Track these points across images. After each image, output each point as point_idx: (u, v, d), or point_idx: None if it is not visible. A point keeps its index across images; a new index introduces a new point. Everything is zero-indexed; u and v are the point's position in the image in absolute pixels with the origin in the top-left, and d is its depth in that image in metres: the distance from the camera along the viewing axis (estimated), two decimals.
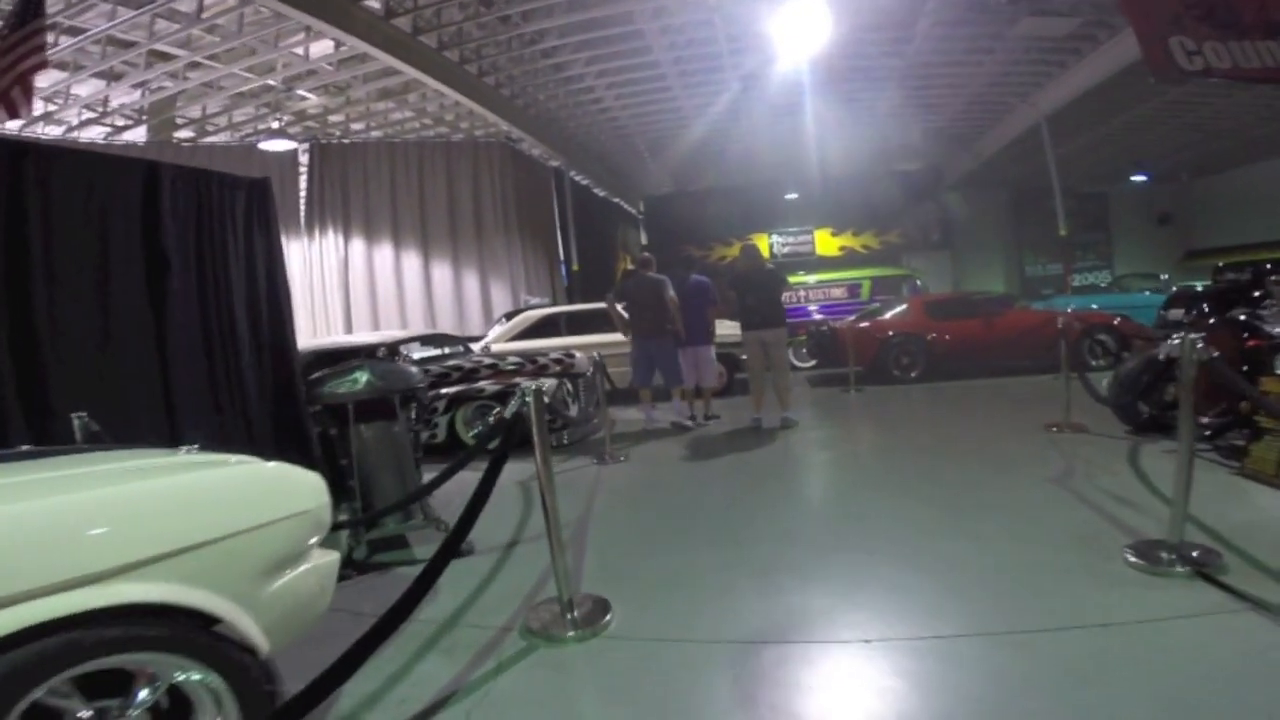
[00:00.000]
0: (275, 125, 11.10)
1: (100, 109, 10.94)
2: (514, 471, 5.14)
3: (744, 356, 7.43)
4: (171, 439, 3.90)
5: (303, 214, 12.15)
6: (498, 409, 5.91)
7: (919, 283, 11.32)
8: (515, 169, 13.20)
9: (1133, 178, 23.36)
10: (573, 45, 11.40)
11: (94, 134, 11.50)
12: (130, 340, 3.75)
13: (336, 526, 2.98)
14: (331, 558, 1.75)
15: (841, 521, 3.74)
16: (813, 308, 11.71)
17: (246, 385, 3.89)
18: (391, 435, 3.22)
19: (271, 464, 1.72)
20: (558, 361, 6.50)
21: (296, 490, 1.69)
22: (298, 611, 1.67)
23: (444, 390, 5.99)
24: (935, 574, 2.83)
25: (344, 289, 12.08)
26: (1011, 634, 2.32)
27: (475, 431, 5.97)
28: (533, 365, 6.39)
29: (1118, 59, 11.27)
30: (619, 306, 6.59)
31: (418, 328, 11.26)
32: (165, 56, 9.60)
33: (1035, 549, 3.01)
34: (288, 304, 4.74)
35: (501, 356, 6.66)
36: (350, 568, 3.13)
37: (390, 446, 3.23)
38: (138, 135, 11.72)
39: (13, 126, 10.24)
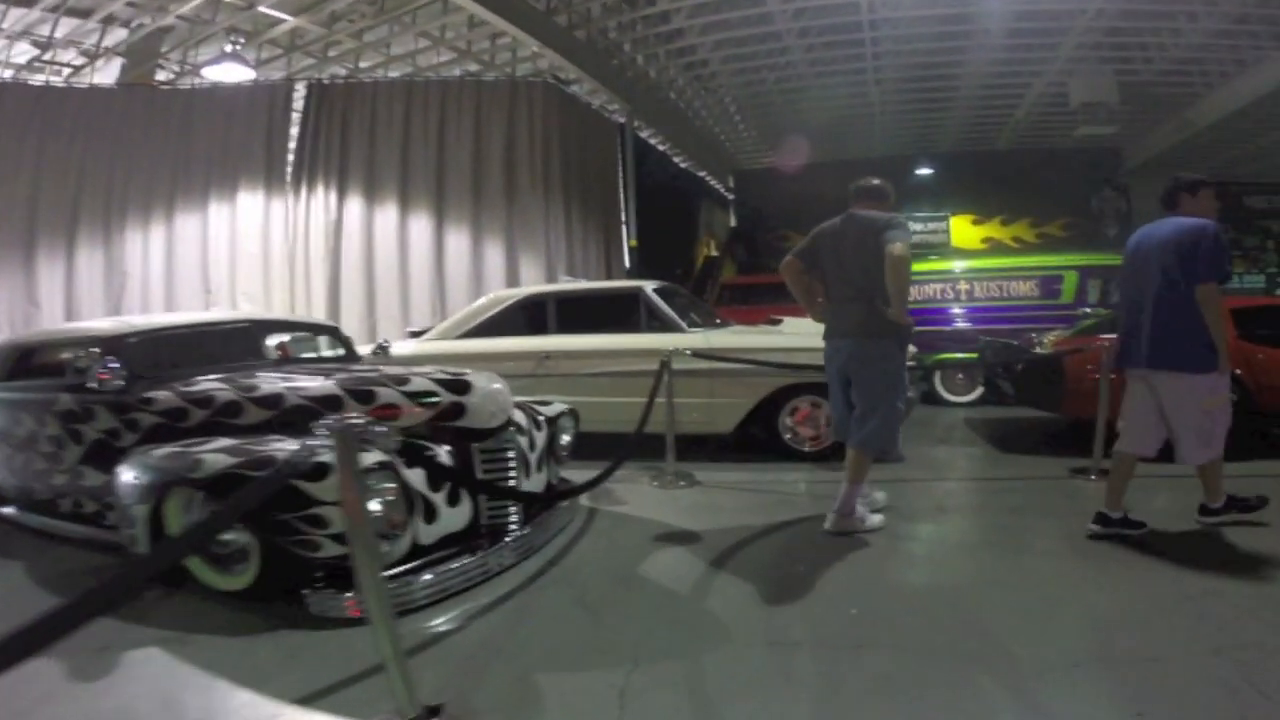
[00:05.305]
0: (229, 49, 8.19)
1: (45, 42, 8.42)
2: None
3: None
4: None
5: (290, 167, 9.13)
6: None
7: None
8: (562, 117, 9.58)
9: None
10: None
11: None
12: None
13: None
14: None
15: None
16: (957, 310, 7.22)
17: None
18: None
19: None
20: (422, 398, 2.66)
21: None
22: None
23: (156, 452, 2.44)
24: None
25: (332, 259, 8.94)
26: None
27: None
28: (358, 405, 2.63)
29: None
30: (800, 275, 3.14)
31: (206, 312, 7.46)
32: None
33: None
34: None
35: (348, 373, 2.99)
36: None
37: None
38: (109, 76, 9.23)
39: None
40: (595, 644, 2.14)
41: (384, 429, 1.46)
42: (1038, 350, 4.77)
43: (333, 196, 9.04)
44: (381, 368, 3.06)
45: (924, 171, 15.33)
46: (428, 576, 2.46)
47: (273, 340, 3.54)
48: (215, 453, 2.30)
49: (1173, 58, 11.06)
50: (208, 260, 8.76)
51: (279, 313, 8.38)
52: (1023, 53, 11.12)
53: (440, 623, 2.31)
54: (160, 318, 3.82)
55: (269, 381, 2.69)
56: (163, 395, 2.70)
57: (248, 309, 8.52)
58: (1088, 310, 6.40)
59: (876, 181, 3.11)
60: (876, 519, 3.05)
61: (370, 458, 2.10)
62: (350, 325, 8.72)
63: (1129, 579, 2.51)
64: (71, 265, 8.58)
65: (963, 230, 15.65)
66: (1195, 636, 2.06)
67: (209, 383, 2.74)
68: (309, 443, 1.44)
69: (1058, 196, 15.59)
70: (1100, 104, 11.96)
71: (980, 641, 2.07)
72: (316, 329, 3.93)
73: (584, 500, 3.49)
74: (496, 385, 2.74)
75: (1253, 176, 16.12)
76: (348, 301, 8.89)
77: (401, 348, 5.01)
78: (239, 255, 8.79)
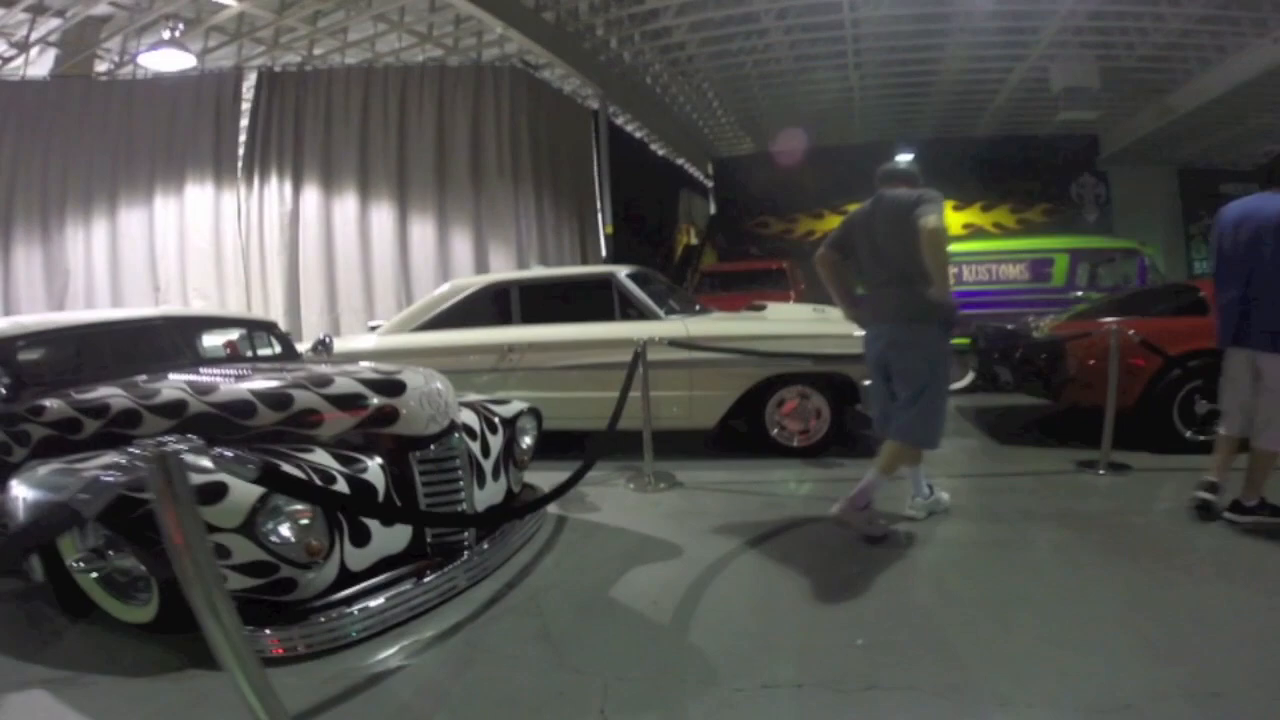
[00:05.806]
0: (167, 35, 7.68)
1: None
2: None
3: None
4: None
5: (240, 159, 8.63)
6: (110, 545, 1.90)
7: (1148, 261, 6.40)
8: (531, 103, 9.19)
9: None
10: None
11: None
12: None
13: None
14: None
15: None
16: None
17: None
18: None
19: None
20: (347, 402, 2.28)
21: None
22: None
23: (41, 469, 2.06)
24: None
25: (289, 251, 8.47)
26: None
27: (96, 571, 1.99)
28: (272, 411, 2.26)
29: None
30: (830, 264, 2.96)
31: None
32: None
33: None
34: None
35: (276, 372, 2.60)
36: None
37: None
38: (43, 69, 8.67)
39: None
40: (557, 688, 1.81)
41: (231, 453, 1.12)
42: (1035, 335, 4.50)
43: (287, 187, 8.57)
44: (306, 368, 2.67)
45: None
46: (373, 604, 2.11)
47: (196, 338, 3.14)
48: (101, 469, 1.92)
49: (1155, 43, 10.91)
50: (155, 256, 8.25)
51: (234, 309, 7.92)
52: (1005, 37, 10.91)
53: (375, 661, 1.96)
54: (60, 316, 3.39)
55: (174, 387, 2.31)
56: (54, 404, 2.31)
57: (200, 306, 8.04)
58: (1079, 294, 6.18)
59: (902, 165, 2.89)
60: (884, 525, 2.77)
61: (254, 489, 1.71)
62: (311, 319, 8.30)
63: (1167, 592, 2.23)
64: (8, 264, 8.08)
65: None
66: (1260, 665, 1.77)
67: (107, 389, 2.35)
68: (103, 478, 1.08)
69: (1038, 182, 15.51)
70: (1082, 89, 11.79)
71: (1007, 678, 1.77)
72: (249, 324, 3.53)
73: (552, 508, 3.15)
74: (436, 385, 2.38)
75: (1229, 164, 16.18)
76: (307, 295, 8.45)
77: (358, 343, 4.62)
78: (188, 250, 8.29)
